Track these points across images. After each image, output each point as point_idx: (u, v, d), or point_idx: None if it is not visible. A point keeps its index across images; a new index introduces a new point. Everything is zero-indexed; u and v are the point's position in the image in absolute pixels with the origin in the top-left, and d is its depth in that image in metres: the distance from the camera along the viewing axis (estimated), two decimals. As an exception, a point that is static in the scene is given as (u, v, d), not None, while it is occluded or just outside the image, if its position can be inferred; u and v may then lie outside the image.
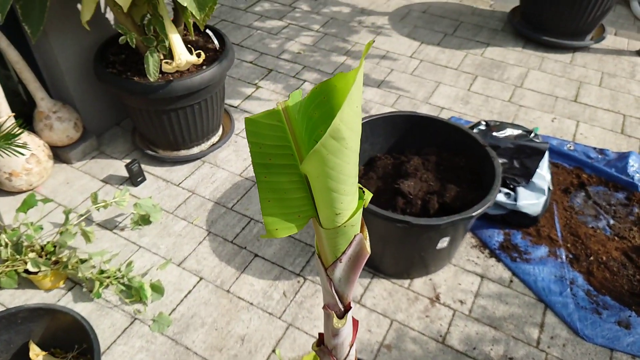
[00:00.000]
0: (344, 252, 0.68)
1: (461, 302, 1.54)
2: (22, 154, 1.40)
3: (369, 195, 0.66)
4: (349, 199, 0.61)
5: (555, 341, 1.44)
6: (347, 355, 0.84)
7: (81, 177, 1.93)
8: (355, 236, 0.66)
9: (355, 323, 0.83)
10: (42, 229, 1.55)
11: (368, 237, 0.69)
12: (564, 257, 1.65)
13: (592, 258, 1.64)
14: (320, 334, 0.84)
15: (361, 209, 0.64)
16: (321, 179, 0.56)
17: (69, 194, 1.86)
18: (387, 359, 1.39)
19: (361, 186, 0.66)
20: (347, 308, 0.76)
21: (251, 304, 1.53)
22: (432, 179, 1.61)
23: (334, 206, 0.60)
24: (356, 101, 0.51)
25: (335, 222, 0.62)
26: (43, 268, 1.46)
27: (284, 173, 0.61)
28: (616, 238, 1.70)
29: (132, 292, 1.50)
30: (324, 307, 0.76)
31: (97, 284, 1.49)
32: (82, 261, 1.51)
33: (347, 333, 0.80)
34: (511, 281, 1.60)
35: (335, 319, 0.75)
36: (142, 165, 1.97)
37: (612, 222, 1.76)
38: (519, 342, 1.44)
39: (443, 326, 1.47)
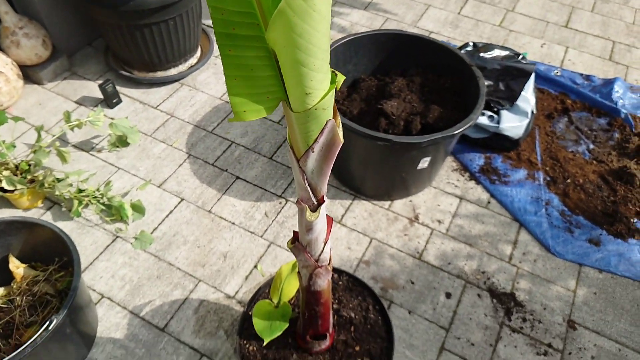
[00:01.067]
0: (315, 141, 0.66)
1: (439, 221, 1.57)
2: (-15, 66, 1.33)
3: (341, 78, 0.63)
4: (320, 77, 0.58)
5: (527, 257, 1.50)
6: (322, 252, 0.85)
7: (54, 99, 1.85)
8: (327, 122, 0.64)
9: (330, 220, 0.83)
10: (14, 146, 1.50)
11: (341, 126, 0.67)
12: (541, 179, 1.67)
13: (569, 180, 1.67)
14: (295, 232, 0.85)
15: (333, 91, 0.61)
16: (289, 50, 0.53)
17: (42, 115, 1.80)
18: (366, 273, 1.44)
19: (333, 70, 0.63)
20: (321, 201, 0.75)
21: (233, 223, 1.54)
22: (416, 100, 1.58)
23: (303, 84, 0.57)
24: (324, -50, 0.46)
25: (305, 103, 0.60)
26: (19, 186, 1.43)
27: (249, 46, 0.57)
28: (594, 162, 1.73)
29: (113, 212, 1.50)
30: (297, 202, 0.76)
31: (75, 202, 1.48)
32: (59, 180, 1.48)
33: (321, 228, 0.80)
34: (489, 202, 1.63)
35: (308, 212, 0.75)
36: (118, 87, 1.89)
37: (592, 146, 1.78)
38: (492, 258, 1.49)
39: (420, 244, 1.52)
